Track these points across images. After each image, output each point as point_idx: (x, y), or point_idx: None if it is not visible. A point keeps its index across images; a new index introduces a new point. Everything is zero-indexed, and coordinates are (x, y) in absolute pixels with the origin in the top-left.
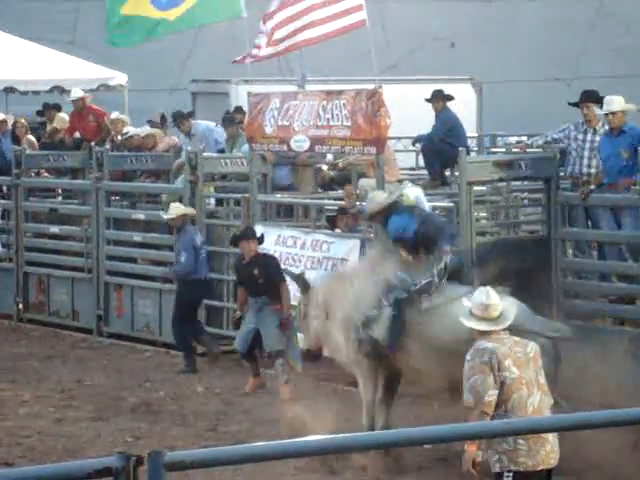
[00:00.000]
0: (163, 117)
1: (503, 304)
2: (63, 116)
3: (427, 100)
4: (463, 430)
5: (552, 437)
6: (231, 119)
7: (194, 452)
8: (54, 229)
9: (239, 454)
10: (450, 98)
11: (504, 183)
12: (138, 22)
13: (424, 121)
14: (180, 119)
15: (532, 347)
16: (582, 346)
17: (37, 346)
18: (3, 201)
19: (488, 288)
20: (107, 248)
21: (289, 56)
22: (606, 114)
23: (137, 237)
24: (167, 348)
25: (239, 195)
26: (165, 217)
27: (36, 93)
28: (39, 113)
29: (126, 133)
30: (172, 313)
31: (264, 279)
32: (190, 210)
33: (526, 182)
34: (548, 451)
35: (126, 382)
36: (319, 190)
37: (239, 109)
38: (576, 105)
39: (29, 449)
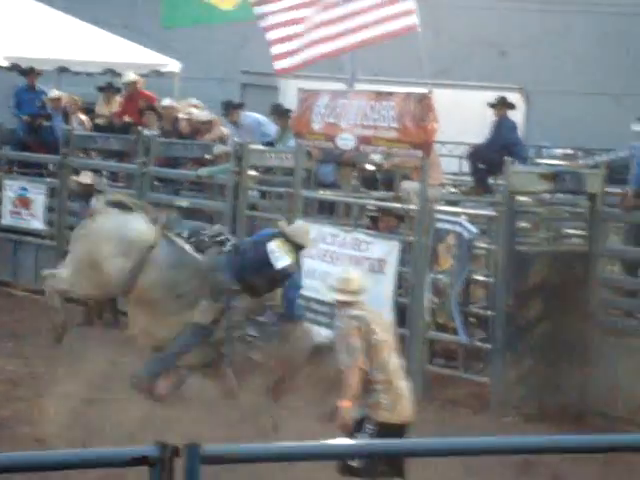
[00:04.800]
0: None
1: (361, 279)
2: (117, 99)
3: (491, 105)
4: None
5: (408, 393)
6: (283, 111)
7: (231, 446)
8: None
9: (276, 451)
10: (512, 107)
11: (548, 195)
12: (190, 4)
13: (470, 127)
14: (230, 109)
15: (385, 317)
16: (617, 363)
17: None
18: (50, 179)
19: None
20: None
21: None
22: None
23: None
24: None
25: (282, 189)
26: (79, 180)
27: (89, 75)
28: (100, 89)
29: (176, 119)
30: None
31: None
32: (98, 180)
33: (569, 195)
34: (405, 406)
35: None
36: (362, 189)
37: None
38: None
39: (65, 428)
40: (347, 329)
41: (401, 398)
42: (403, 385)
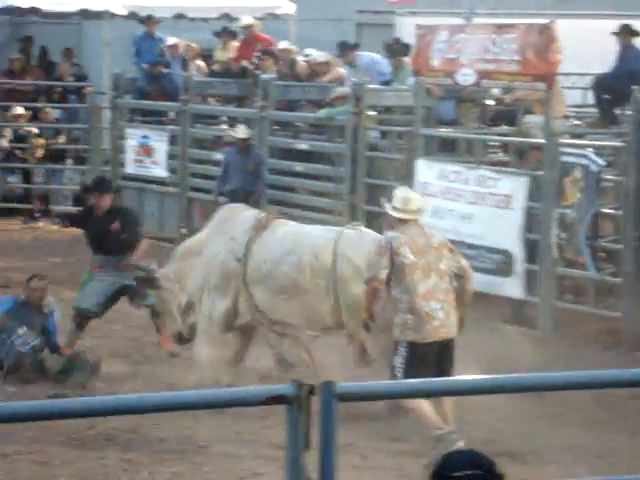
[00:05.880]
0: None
1: (422, 200)
2: (234, 44)
3: (614, 34)
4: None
5: (442, 313)
6: (398, 48)
7: (366, 384)
8: (218, 156)
9: (409, 388)
10: (636, 34)
11: None
12: None
13: (594, 57)
14: (345, 50)
15: (437, 238)
16: None
17: None
18: (171, 127)
19: (407, 187)
20: (269, 177)
21: None
22: None
23: (299, 167)
24: None
25: (402, 128)
26: (237, 135)
27: (205, 20)
28: (217, 34)
29: (293, 61)
30: None
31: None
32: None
33: None
34: (436, 326)
35: None
36: (483, 125)
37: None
38: None
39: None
40: (377, 249)
41: (430, 319)
42: (434, 307)
